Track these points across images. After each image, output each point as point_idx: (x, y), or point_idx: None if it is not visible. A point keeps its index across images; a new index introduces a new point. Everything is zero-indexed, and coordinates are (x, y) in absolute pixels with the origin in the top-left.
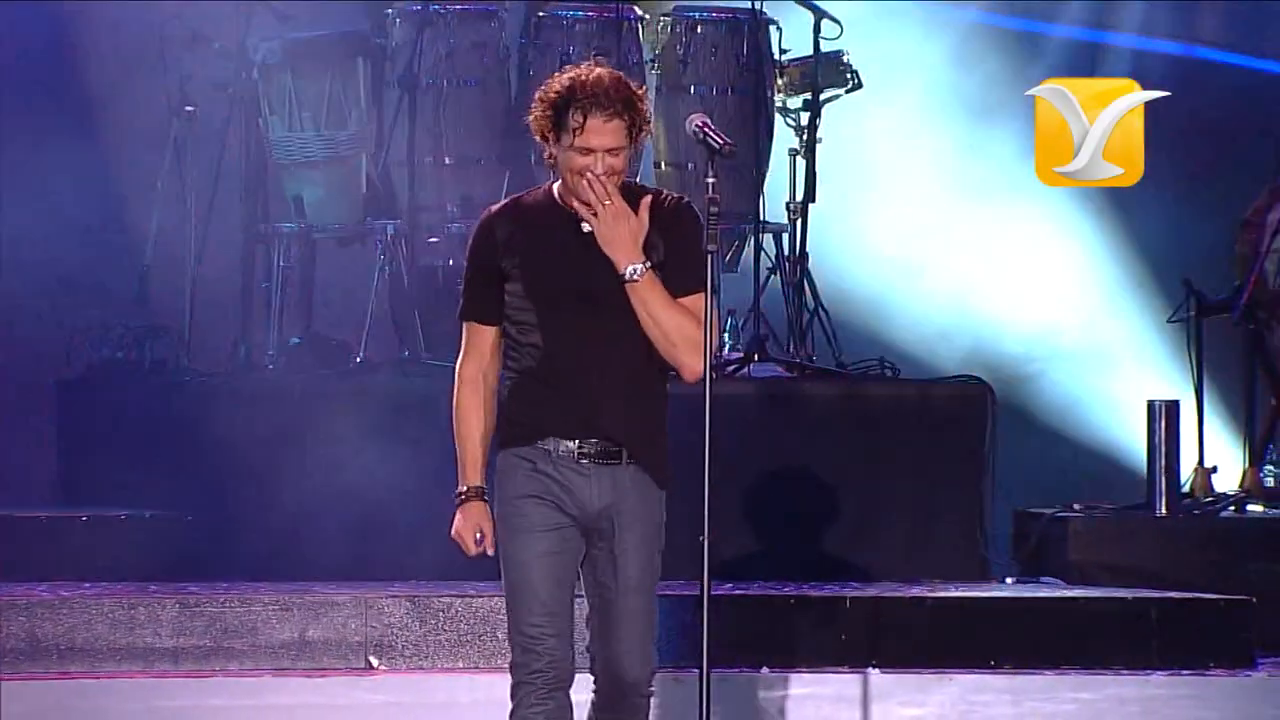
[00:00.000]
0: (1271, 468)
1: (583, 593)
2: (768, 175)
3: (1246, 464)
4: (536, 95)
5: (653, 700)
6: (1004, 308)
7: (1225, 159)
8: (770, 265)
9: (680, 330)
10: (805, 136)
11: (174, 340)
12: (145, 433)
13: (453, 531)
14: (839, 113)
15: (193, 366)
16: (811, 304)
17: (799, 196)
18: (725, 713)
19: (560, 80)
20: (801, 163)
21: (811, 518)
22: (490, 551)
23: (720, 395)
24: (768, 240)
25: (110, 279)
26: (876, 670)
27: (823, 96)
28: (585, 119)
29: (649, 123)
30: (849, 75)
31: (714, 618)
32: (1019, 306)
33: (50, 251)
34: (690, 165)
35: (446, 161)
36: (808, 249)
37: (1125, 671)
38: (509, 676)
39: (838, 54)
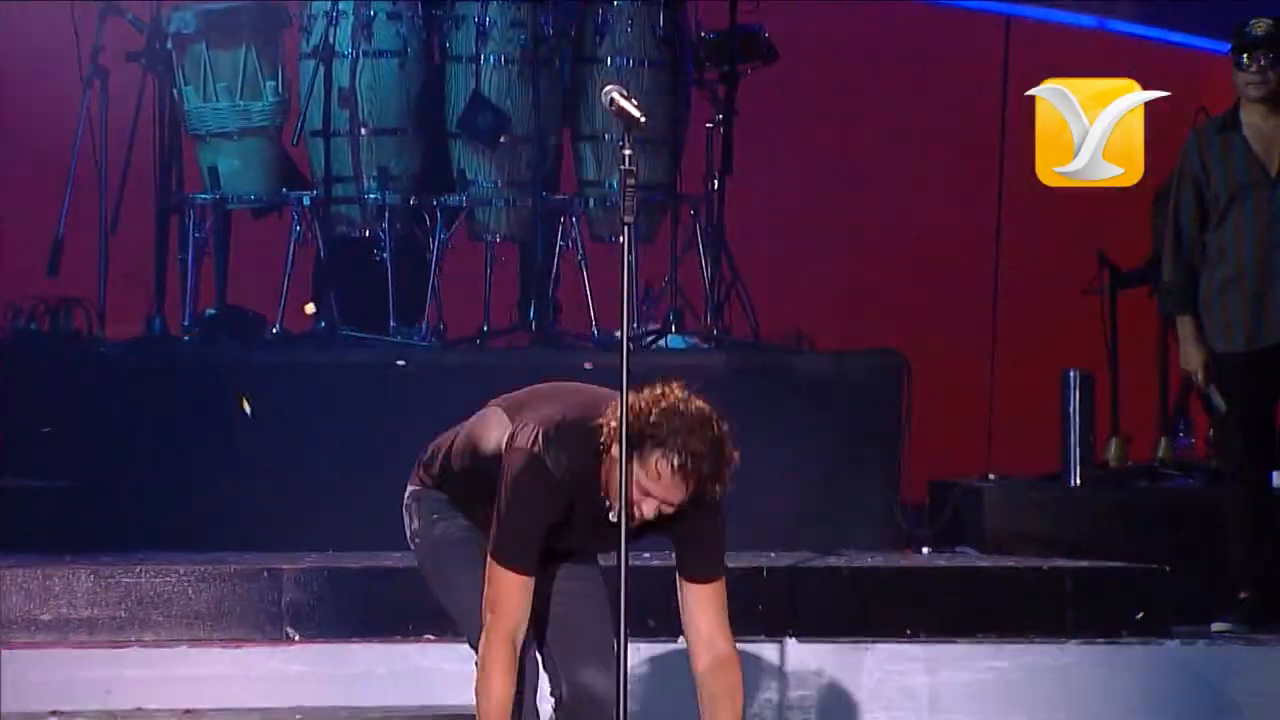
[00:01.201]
0: (1183, 437)
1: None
2: (684, 148)
3: (1161, 435)
4: (643, 403)
5: None
6: (919, 278)
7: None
8: (687, 238)
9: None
10: (722, 109)
11: (87, 312)
12: (59, 404)
13: None
14: (756, 85)
15: (106, 338)
16: (728, 276)
17: (716, 169)
18: (644, 683)
19: (669, 415)
20: (719, 135)
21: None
22: None
23: (636, 367)
24: (685, 213)
25: (21, 251)
26: (794, 639)
27: (740, 69)
28: (672, 474)
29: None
30: (766, 48)
31: (631, 589)
32: (935, 277)
33: None
34: (606, 136)
35: (363, 133)
36: (724, 221)
37: (1040, 640)
38: (439, 645)
39: (755, 27)
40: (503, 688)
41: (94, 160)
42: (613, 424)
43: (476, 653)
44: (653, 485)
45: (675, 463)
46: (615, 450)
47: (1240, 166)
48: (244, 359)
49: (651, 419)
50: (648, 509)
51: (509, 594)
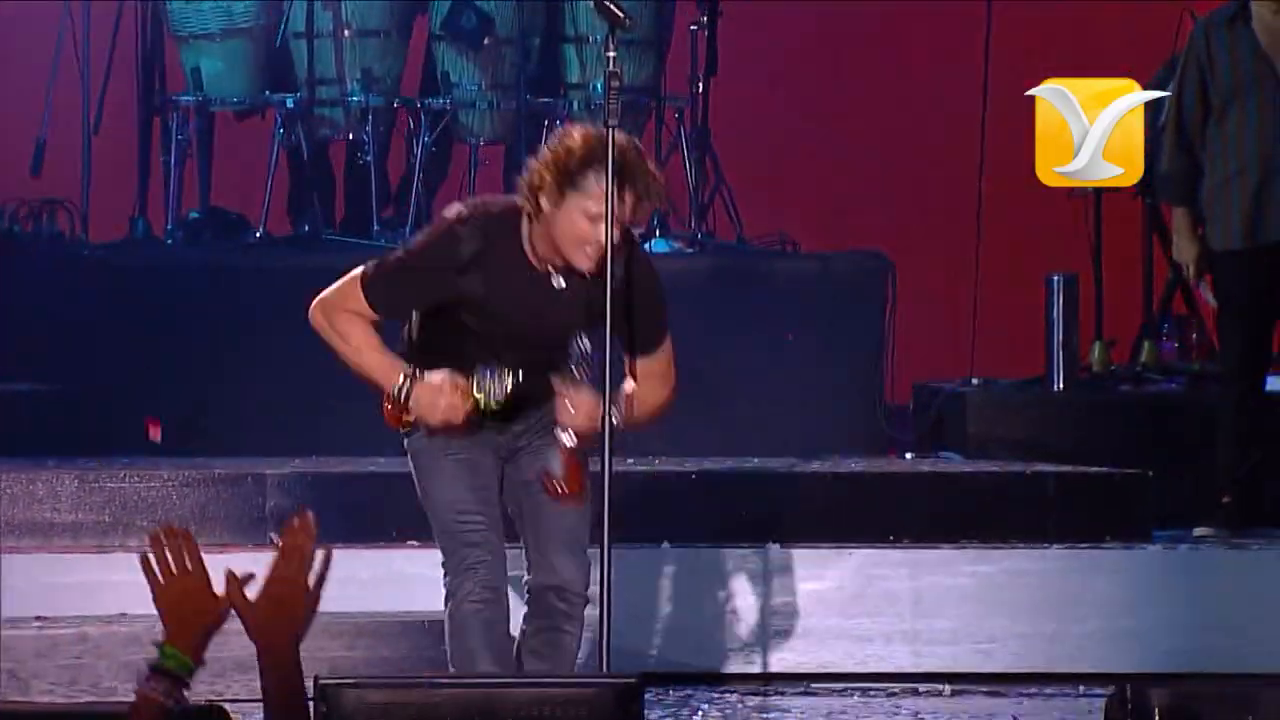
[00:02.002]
0: (1167, 341)
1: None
2: (669, 49)
3: (1144, 337)
4: (561, 144)
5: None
6: (905, 181)
7: (1120, 38)
8: (671, 140)
9: (654, 411)
10: (706, 9)
11: (71, 214)
12: (43, 306)
13: (433, 417)
14: None
15: (90, 240)
16: (713, 179)
17: (700, 70)
18: (627, 589)
19: (592, 139)
20: (703, 37)
21: (711, 393)
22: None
23: (620, 272)
24: (669, 115)
25: (4, 152)
26: (776, 545)
27: None
28: (614, 188)
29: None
30: None
31: (614, 494)
32: (920, 180)
33: None
34: (591, 38)
35: (346, 34)
36: (709, 124)
37: (1022, 545)
38: (422, 550)
39: None
40: (353, 322)
41: (76, 61)
42: (534, 178)
43: (445, 571)
44: (594, 204)
45: (611, 170)
46: (543, 200)
47: (1247, 60)
48: (227, 261)
49: (576, 150)
50: (593, 244)
51: (355, 309)
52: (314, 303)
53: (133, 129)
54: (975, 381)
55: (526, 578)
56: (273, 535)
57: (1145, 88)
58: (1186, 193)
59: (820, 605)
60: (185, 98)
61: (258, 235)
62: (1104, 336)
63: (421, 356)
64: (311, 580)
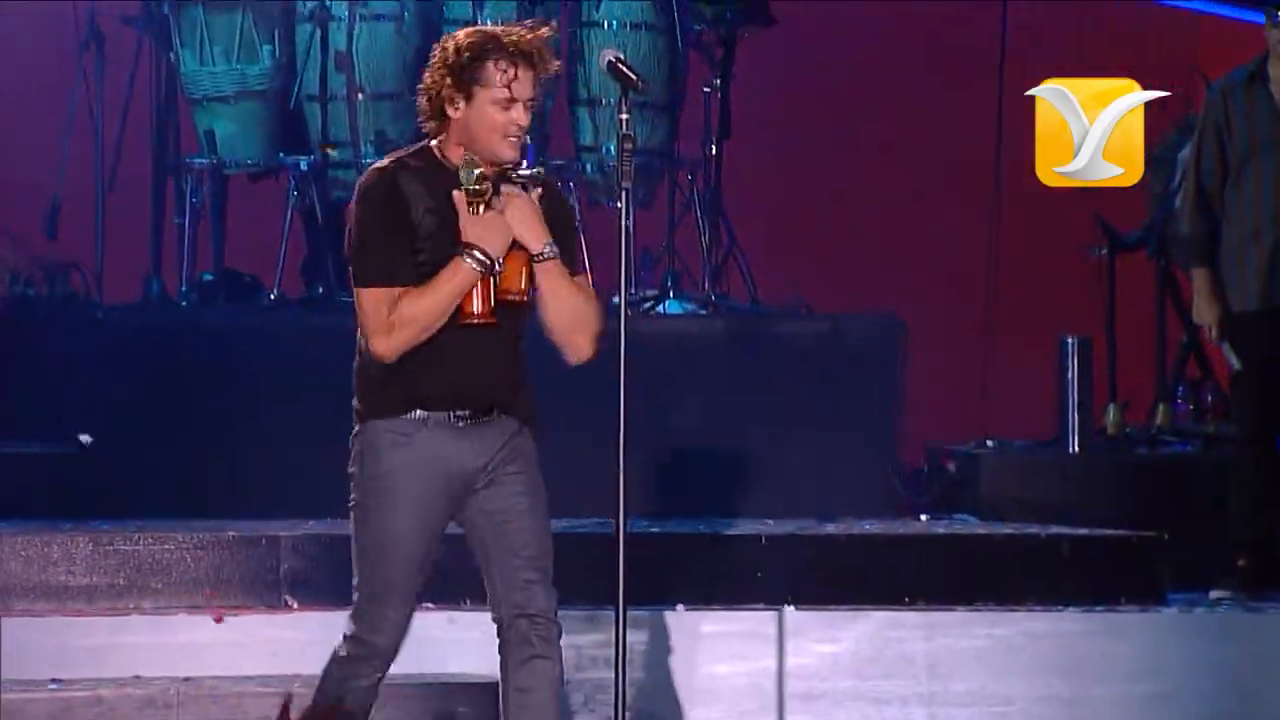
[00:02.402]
0: (1181, 403)
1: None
2: (682, 112)
3: (1159, 401)
4: (446, 48)
5: (564, 636)
6: (917, 242)
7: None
8: (684, 202)
9: (580, 311)
10: (720, 72)
11: (85, 275)
12: (57, 368)
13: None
14: (754, 48)
15: (104, 302)
16: (726, 241)
17: (713, 133)
18: (640, 651)
19: (476, 33)
20: (716, 99)
21: (726, 455)
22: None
23: (634, 333)
24: (682, 177)
25: (18, 214)
26: (792, 607)
27: (737, 32)
28: (516, 70)
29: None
30: (763, 12)
31: (629, 556)
32: (933, 241)
33: None
34: (604, 101)
35: (360, 97)
36: (722, 186)
37: (1038, 607)
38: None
39: None
40: (406, 304)
41: (91, 124)
42: (434, 91)
43: (354, 618)
44: (502, 91)
45: (510, 49)
46: (451, 109)
47: (1264, 121)
48: (241, 323)
49: (464, 47)
50: (517, 118)
51: (377, 310)
52: (376, 347)
53: (146, 191)
54: (990, 443)
55: (491, 612)
56: (288, 598)
57: (1156, 150)
58: (1206, 254)
59: (836, 668)
60: (199, 160)
61: (272, 297)
62: (1118, 399)
63: (381, 375)
64: None
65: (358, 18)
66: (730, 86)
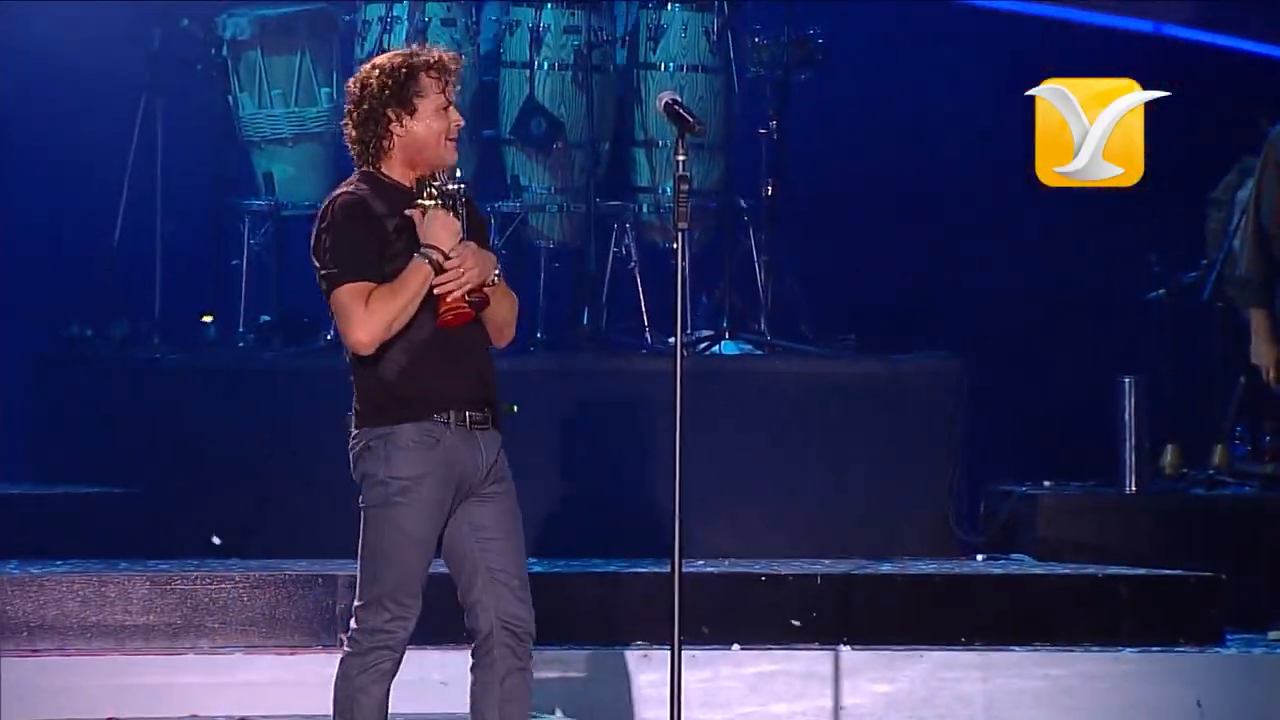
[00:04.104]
0: (1240, 444)
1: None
2: (738, 153)
3: (1217, 442)
4: (370, 79)
5: (622, 676)
6: (975, 282)
7: (1192, 136)
8: (740, 242)
9: (513, 304)
10: (776, 114)
11: (144, 317)
12: (115, 410)
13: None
14: (810, 90)
15: (162, 344)
16: (782, 281)
17: (769, 173)
18: (696, 690)
19: (396, 56)
20: (772, 140)
21: (782, 495)
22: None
23: (691, 372)
24: (738, 218)
25: (79, 255)
26: (847, 647)
27: (793, 74)
28: (444, 77)
29: None
30: (819, 53)
31: (685, 595)
32: (994, 282)
33: (18, 229)
34: (660, 142)
35: None
36: (778, 226)
37: (1095, 648)
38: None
39: (809, 33)
40: (376, 296)
41: (150, 167)
42: (375, 114)
43: (374, 611)
44: (440, 98)
45: (433, 60)
46: (397, 128)
47: None
48: (298, 365)
49: (397, 64)
50: (456, 120)
51: (356, 303)
52: (359, 337)
53: (205, 234)
54: (1047, 484)
55: (467, 621)
56: (343, 637)
57: (1214, 192)
58: (1264, 295)
59: (892, 708)
60: (257, 202)
61: (328, 338)
62: (1175, 439)
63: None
64: None
65: None
66: (786, 128)
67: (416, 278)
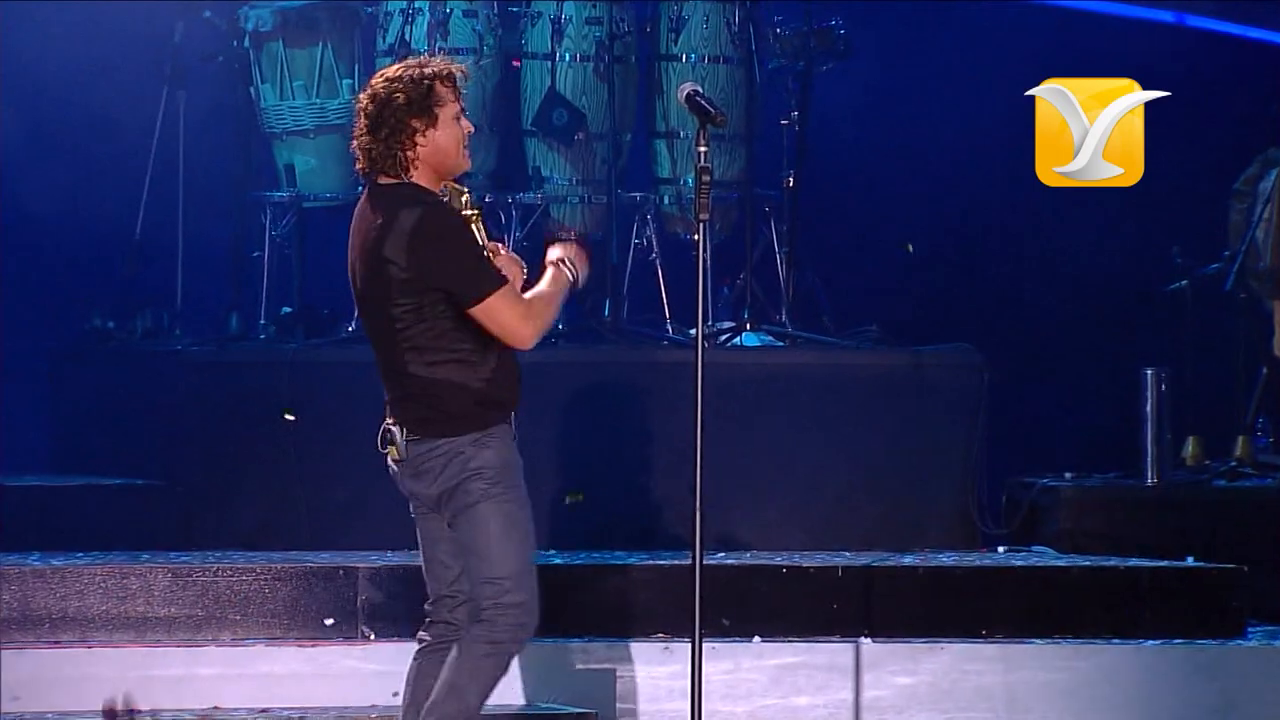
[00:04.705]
0: (1261, 436)
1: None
2: (759, 144)
3: (1239, 433)
4: (393, 94)
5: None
6: (997, 273)
7: (1215, 128)
8: (761, 234)
9: None
10: (797, 105)
11: (165, 309)
12: (137, 402)
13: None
14: (832, 81)
15: (184, 336)
16: (803, 273)
17: (791, 165)
18: (717, 682)
19: (405, 69)
20: (794, 131)
21: (803, 487)
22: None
23: (712, 363)
24: (759, 209)
25: (101, 247)
26: (869, 639)
27: (815, 65)
28: (454, 85)
29: None
30: (841, 44)
31: (706, 587)
32: (1013, 274)
33: (41, 222)
34: (682, 134)
35: None
36: (799, 218)
37: (1116, 640)
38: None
39: (831, 23)
40: (532, 294)
41: (171, 159)
42: (400, 128)
43: (520, 588)
44: (455, 105)
45: (442, 70)
46: (422, 138)
47: None
48: (320, 356)
49: (416, 81)
50: (468, 126)
51: (514, 306)
52: (525, 333)
53: (227, 225)
54: (1068, 476)
55: (440, 589)
56: (365, 629)
57: (1236, 184)
58: None
59: (913, 700)
60: (278, 194)
61: (350, 330)
62: (1197, 431)
63: (468, 345)
64: None
65: (438, 51)
66: (808, 119)
67: (561, 284)
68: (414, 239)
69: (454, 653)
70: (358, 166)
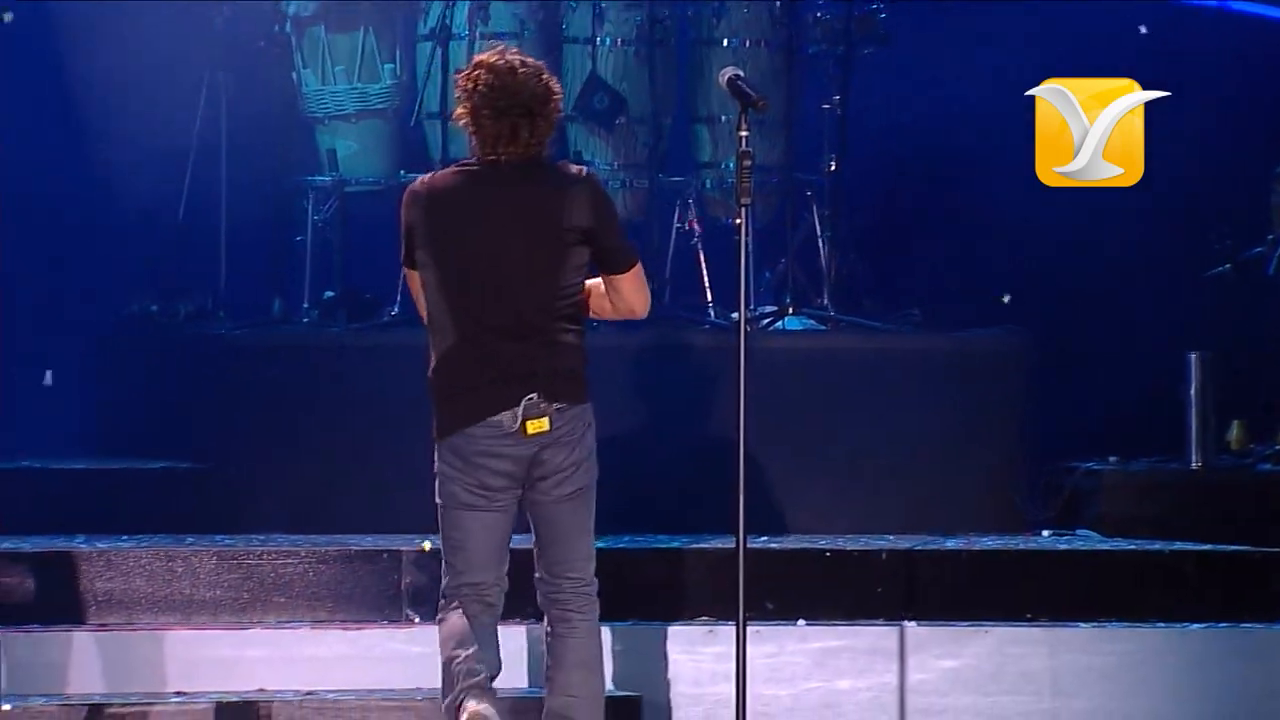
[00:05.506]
0: None
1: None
2: (800, 129)
3: None
4: (480, 83)
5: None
6: (1043, 259)
7: (1260, 111)
8: (802, 218)
9: None
10: (839, 90)
11: (208, 293)
12: (181, 386)
13: None
14: (873, 65)
15: (228, 319)
16: (845, 256)
17: (832, 149)
18: (761, 665)
19: (478, 65)
20: (836, 115)
21: (846, 471)
22: None
23: (754, 348)
24: (801, 194)
25: (144, 232)
26: (912, 622)
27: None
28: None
29: None
30: (881, 30)
31: (749, 570)
32: (1058, 259)
33: (83, 206)
34: (723, 118)
35: None
36: (841, 202)
37: (1161, 624)
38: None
39: (872, 8)
40: None
41: (214, 143)
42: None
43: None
44: None
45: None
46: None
47: None
48: (362, 341)
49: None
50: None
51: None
52: (647, 309)
53: (269, 210)
54: (1112, 460)
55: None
56: (409, 611)
57: (1278, 170)
58: None
59: (957, 684)
60: (321, 178)
61: (392, 314)
62: (1241, 415)
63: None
64: None
65: (478, 36)
66: (849, 104)
67: None
68: (595, 208)
69: (583, 634)
70: (505, 148)
